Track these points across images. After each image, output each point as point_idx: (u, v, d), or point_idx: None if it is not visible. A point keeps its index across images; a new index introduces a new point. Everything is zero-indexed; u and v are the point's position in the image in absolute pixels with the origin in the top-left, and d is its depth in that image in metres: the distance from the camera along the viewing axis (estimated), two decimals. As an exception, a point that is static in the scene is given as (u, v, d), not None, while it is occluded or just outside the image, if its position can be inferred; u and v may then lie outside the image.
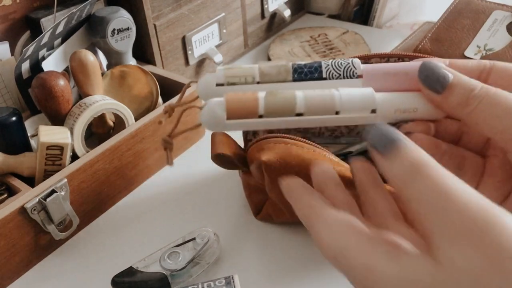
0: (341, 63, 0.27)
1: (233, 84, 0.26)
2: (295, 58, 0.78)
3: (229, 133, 0.48)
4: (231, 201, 0.53)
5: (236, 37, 0.79)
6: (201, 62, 0.74)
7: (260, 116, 0.25)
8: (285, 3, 0.86)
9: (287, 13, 0.86)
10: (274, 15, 0.86)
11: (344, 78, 0.26)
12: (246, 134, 0.48)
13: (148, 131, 0.54)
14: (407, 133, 0.25)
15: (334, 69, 0.26)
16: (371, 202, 0.25)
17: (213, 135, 0.47)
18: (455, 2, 0.67)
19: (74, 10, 0.53)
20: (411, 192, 0.20)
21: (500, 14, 0.63)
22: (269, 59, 0.79)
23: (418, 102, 0.26)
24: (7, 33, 0.57)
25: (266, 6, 0.82)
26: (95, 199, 0.51)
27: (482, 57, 0.60)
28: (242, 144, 0.48)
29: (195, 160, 0.59)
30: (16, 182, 0.47)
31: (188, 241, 0.45)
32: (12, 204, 0.44)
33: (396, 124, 0.27)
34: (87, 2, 0.54)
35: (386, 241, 0.21)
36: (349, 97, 0.25)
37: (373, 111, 0.25)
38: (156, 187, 0.56)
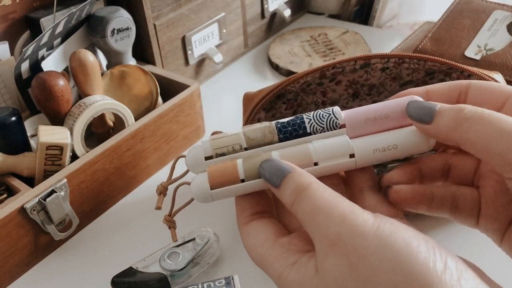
0: (323, 115, 0.27)
1: (222, 154, 0.27)
2: (295, 58, 0.78)
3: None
4: (231, 201, 0.53)
5: (236, 37, 0.79)
6: (201, 62, 0.74)
7: (242, 180, 0.26)
8: (285, 3, 0.86)
9: (287, 13, 0.86)
10: (274, 15, 0.86)
11: (328, 129, 0.27)
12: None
13: (148, 131, 0.54)
14: (387, 187, 0.26)
15: (317, 122, 0.27)
16: (289, 214, 0.27)
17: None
18: (455, 2, 0.67)
19: (74, 10, 0.53)
20: (298, 212, 0.23)
21: (500, 14, 0.63)
22: (269, 59, 0.79)
23: (397, 139, 0.26)
24: (6, 33, 0.57)
25: (266, 6, 0.82)
26: (95, 199, 0.51)
27: (483, 57, 0.60)
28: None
29: (195, 160, 0.59)
30: (16, 182, 0.47)
31: (188, 241, 0.45)
32: (12, 204, 0.43)
33: (379, 175, 0.28)
34: (86, 2, 0.54)
35: (293, 252, 0.24)
36: (324, 147, 0.26)
37: (352, 156, 0.26)
38: (156, 187, 0.56)
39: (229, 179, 0.26)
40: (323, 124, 0.27)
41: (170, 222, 0.34)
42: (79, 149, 0.50)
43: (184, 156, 0.29)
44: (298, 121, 0.27)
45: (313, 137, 0.27)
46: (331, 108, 0.28)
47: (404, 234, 0.21)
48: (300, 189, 0.23)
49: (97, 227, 0.52)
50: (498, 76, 0.43)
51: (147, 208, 0.53)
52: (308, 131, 0.27)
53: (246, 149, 0.27)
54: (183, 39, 0.69)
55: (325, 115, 0.27)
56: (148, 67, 0.64)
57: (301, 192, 0.23)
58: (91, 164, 0.49)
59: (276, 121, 0.28)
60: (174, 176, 0.34)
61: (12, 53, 0.57)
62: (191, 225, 0.49)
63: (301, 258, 0.23)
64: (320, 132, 0.27)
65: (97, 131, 0.56)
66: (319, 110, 0.28)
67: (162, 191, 0.33)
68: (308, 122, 0.27)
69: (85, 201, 0.50)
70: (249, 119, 0.46)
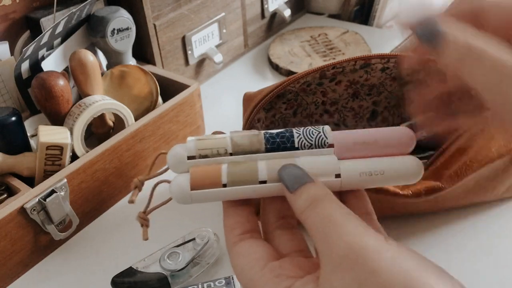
0: (312, 132, 0.27)
1: (205, 156, 0.26)
2: (295, 58, 0.78)
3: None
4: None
5: (236, 37, 0.79)
6: (201, 62, 0.74)
7: (224, 185, 0.25)
8: (285, 3, 0.86)
9: (287, 13, 0.86)
10: (274, 15, 0.86)
11: (316, 147, 0.27)
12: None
13: (147, 131, 0.54)
14: None
15: (306, 138, 0.27)
16: (278, 237, 0.27)
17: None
18: (455, 2, 0.67)
19: (74, 10, 0.53)
20: (309, 219, 0.23)
21: (500, 14, 0.63)
22: (269, 59, 0.79)
23: (386, 165, 0.26)
24: (6, 33, 0.57)
25: (266, 6, 0.82)
26: (95, 199, 0.51)
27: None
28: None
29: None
30: (16, 182, 0.47)
31: (188, 241, 0.45)
32: (12, 204, 0.43)
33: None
34: (87, 2, 0.54)
35: (285, 277, 0.23)
36: (310, 163, 0.26)
37: (337, 175, 0.26)
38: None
39: (211, 182, 0.25)
40: (312, 141, 0.27)
41: (144, 220, 0.34)
42: (79, 149, 0.50)
43: (165, 153, 0.28)
44: (287, 134, 0.27)
45: (300, 152, 0.27)
46: (322, 126, 0.27)
47: (413, 255, 0.21)
48: (316, 197, 0.23)
49: (97, 227, 0.52)
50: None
51: (147, 208, 0.53)
52: (296, 145, 0.27)
53: (231, 154, 0.26)
54: (183, 39, 0.69)
55: (315, 132, 0.27)
56: (148, 67, 0.64)
57: (316, 201, 0.23)
58: (91, 164, 0.49)
59: (265, 131, 0.27)
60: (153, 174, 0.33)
61: (12, 53, 0.57)
62: (191, 225, 0.49)
63: (295, 283, 0.22)
64: (308, 149, 0.27)
65: (97, 131, 0.56)
66: (309, 126, 0.27)
67: (137, 185, 0.33)
68: (297, 137, 0.27)
69: (85, 201, 0.50)
70: (249, 119, 0.46)
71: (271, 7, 0.83)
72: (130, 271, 0.44)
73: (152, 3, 0.63)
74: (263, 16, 0.83)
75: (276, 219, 0.27)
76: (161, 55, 0.66)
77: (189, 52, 0.70)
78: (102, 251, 0.49)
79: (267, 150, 0.27)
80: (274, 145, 0.27)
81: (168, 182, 0.27)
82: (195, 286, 0.41)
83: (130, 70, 0.58)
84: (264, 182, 0.25)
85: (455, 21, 0.25)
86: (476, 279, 0.43)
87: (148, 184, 0.32)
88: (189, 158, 0.26)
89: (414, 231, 0.47)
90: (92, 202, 0.51)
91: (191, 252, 0.44)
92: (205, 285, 0.41)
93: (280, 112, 0.50)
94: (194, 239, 0.45)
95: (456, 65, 0.24)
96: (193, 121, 0.60)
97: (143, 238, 0.34)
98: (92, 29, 0.58)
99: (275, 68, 0.78)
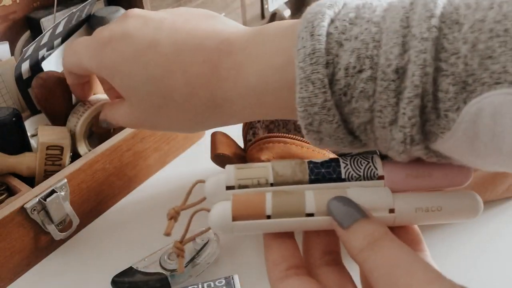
0: (361, 162, 0.25)
1: (245, 186, 0.25)
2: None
3: (230, 134, 0.48)
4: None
5: (236, 37, 0.79)
6: (201, 62, 0.74)
7: (268, 217, 0.24)
8: (285, 3, 0.86)
9: (287, 13, 0.86)
10: (274, 15, 0.86)
11: (364, 179, 0.25)
12: (246, 134, 0.48)
13: (148, 131, 0.54)
14: None
15: (353, 169, 0.25)
16: (325, 274, 0.25)
17: (213, 135, 0.47)
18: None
19: (74, 10, 0.53)
20: (369, 260, 0.21)
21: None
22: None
23: (443, 201, 0.24)
24: (7, 33, 0.57)
25: (266, 6, 0.82)
26: (95, 199, 0.51)
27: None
28: (242, 144, 0.48)
29: (195, 160, 0.59)
30: (16, 182, 0.47)
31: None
32: (12, 204, 0.44)
33: None
34: (87, 2, 0.54)
35: None
36: (363, 196, 0.24)
37: (391, 211, 0.24)
38: (156, 187, 0.56)
39: (254, 212, 0.24)
40: (360, 172, 0.25)
41: (180, 250, 0.32)
42: (82, 147, 0.50)
43: (202, 182, 0.27)
44: (333, 164, 0.25)
45: (349, 184, 0.25)
46: (371, 155, 0.25)
47: None
48: (376, 236, 0.21)
49: (97, 227, 0.52)
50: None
51: (147, 208, 0.53)
52: (343, 176, 0.25)
53: (272, 184, 0.25)
54: (183, 39, 0.69)
55: (363, 163, 0.25)
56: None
57: (378, 240, 0.21)
58: (91, 164, 0.49)
59: (309, 160, 0.26)
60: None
61: (12, 53, 0.57)
62: (191, 225, 0.49)
63: None
64: (356, 180, 0.25)
65: (98, 131, 0.56)
66: (357, 155, 0.25)
67: (173, 216, 0.30)
68: (344, 167, 0.25)
69: (85, 201, 0.50)
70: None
71: (271, 7, 0.83)
72: (130, 271, 0.44)
73: (152, 3, 0.63)
74: (263, 16, 0.83)
75: (322, 254, 0.25)
76: (161, 55, 0.66)
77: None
78: (102, 251, 0.49)
79: (311, 181, 0.25)
80: (319, 176, 0.25)
81: (207, 210, 0.25)
82: (195, 286, 0.41)
83: (130, 70, 0.58)
84: (311, 214, 0.23)
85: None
86: (476, 279, 0.43)
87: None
88: (228, 188, 0.25)
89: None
90: (92, 202, 0.51)
91: (191, 252, 0.44)
92: (205, 285, 0.41)
93: (280, 112, 0.50)
94: (194, 239, 0.45)
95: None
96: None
97: (179, 271, 0.32)
98: (92, 29, 0.58)
99: (275, 68, 0.77)
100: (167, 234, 0.31)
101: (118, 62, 0.32)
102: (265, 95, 0.27)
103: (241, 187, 0.25)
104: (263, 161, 0.41)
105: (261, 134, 0.45)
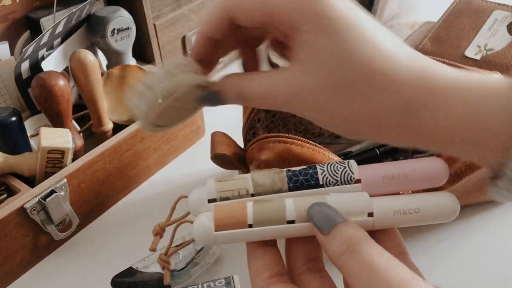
0: (337, 167, 0.25)
1: (226, 198, 0.25)
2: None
3: (230, 134, 0.48)
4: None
5: (236, 37, 0.79)
6: (201, 62, 0.74)
7: (250, 226, 0.24)
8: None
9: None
10: (274, 15, 0.85)
11: (342, 183, 0.25)
12: (246, 134, 0.48)
13: (148, 131, 0.54)
14: None
15: (330, 175, 0.25)
16: (307, 281, 0.25)
17: (212, 135, 0.47)
18: (455, 2, 0.67)
19: (74, 10, 0.53)
20: (347, 264, 0.22)
21: (500, 14, 0.63)
22: (269, 58, 0.79)
23: (420, 203, 0.24)
24: (7, 33, 0.57)
25: (266, 6, 0.82)
26: (95, 199, 0.51)
27: (483, 57, 0.60)
28: (241, 144, 0.48)
29: (195, 160, 0.59)
30: (16, 182, 0.47)
31: (188, 241, 0.45)
32: (12, 204, 0.43)
33: None
34: (87, 2, 0.54)
35: None
36: (341, 201, 0.24)
37: (370, 214, 0.24)
38: (156, 187, 0.56)
39: (236, 221, 0.24)
40: (337, 177, 0.25)
41: (165, 263, 0.33)
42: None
43: (185, 197, 0.27)
44: (311, 171, 0.26)
45: (328, 189, 0.25)
46: (347, 161, 0.26)
47: None
48: (354, 240, 0.22)
49: (97, 227, 0.52)
50: (498, 76, 0.43)
51: (147, 208, 0.53)
52: (321, 182, 0.25)
53: (252, 195, 0.25)
54: (183, 39, 0.69)
55: (340, 168, 0.25)
56: (148, 67, 0.64)
57: (355, 245, 0.22)
58: (91, 164, 0.49)
59: (287, 168, 0.26)
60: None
61: (12, 53, 0.57)
62: (191, 225, 0.49)
63: None
64: (333, 185, 0.25)
65: (97, 131, 0.56)
66: (334, 162, 0.26)
67: (158, 232, 0.31)
68: (321, 173, 0.25)
69: (85, 201, 0.50)
70: (249, 119, 0.46)
71: (271, 7, 0.83)
72: (130, 271, 0.44)
73: (152, 3, 0.63)
74: (263, 16, 0.83)
75: (305, 261, 0.25)
76: (161, 55, 0.66)
77: (189, 52, 0.70)
78: (102, 251, 0.49)
79: (290, 189, 0.25)
80: (297, 183, 0.25)
81: (190, 222, 0.26)
82: (195, 286, 0.41)
83: (130, 70, 0.58)
84: (292, 222, 0.24)
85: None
86: (476, 279, 0.43)
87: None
88: (210, 201, 0.25)
89: (413, 231, 0.47)
90: (92, 202, 0.51)
91: (191, 252, 0.44)
92: (205, 285, 0.41)
93: (280, 112, 0.50)
94: (194, 239, 0.45)
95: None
96: (193, 121, 0.60)
97: (165, 283, 0.32)
98: (92, 29, 0.58)
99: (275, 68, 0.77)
100: (152, 250, 0.32)
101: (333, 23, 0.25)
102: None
103: (222, 199, 0.25)
104: (264, 161, 0.41)
105: (261, 134, 0.45)
